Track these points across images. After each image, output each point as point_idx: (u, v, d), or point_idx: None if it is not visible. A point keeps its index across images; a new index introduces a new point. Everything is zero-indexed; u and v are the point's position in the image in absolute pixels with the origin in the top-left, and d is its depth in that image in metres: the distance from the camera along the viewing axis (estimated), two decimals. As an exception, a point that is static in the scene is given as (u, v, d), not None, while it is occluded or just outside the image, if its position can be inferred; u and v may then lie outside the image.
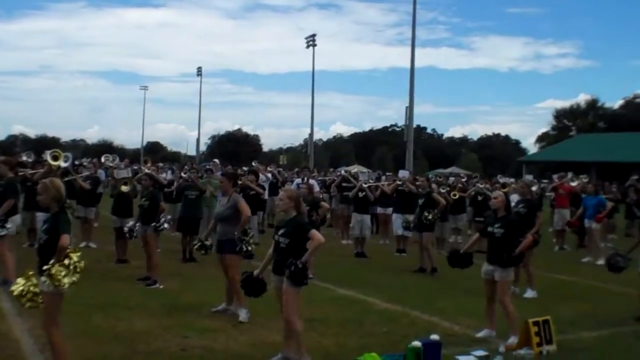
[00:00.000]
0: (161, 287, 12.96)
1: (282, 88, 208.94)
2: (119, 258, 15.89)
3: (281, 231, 8.42)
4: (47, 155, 16.52)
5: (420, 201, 16.63)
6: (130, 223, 14.07)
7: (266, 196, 22.15)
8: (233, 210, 10.94)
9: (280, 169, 32.48)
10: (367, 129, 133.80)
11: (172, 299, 11.98)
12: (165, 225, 13.89)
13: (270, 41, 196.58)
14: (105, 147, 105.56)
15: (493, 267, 9.97)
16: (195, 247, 11.26)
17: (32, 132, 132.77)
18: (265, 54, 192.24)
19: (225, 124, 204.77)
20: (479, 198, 22.07)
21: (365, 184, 19.56)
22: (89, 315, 7.59)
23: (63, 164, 16.33)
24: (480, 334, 9.79)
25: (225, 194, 11.25)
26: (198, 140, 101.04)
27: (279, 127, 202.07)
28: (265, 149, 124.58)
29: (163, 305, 11.49)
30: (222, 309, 10.96)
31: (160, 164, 39.59)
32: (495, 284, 9.97)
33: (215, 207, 17.15)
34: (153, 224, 13.63)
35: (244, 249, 10.80)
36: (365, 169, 43.01)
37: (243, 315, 10.55)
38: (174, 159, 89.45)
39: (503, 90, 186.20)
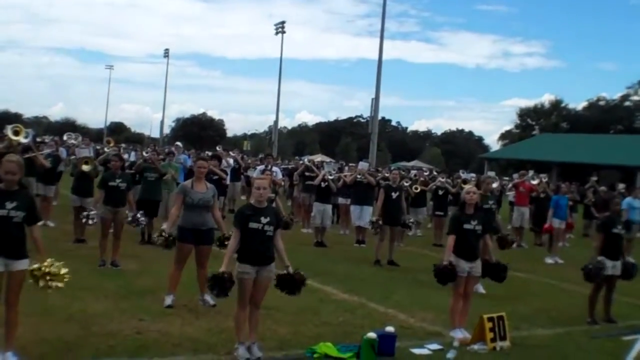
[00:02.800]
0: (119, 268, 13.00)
1: (250, 74, 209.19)
2: (77, 238, 15.77)
3: (265, 220, 8.28)
4: (8, 130, 16.30)
5: (395, 195, 16.55)
6: (132, 212, 13.78)
7: (228, 181, 22.09)
8: (214, 197, 10.82)
9: (244, 155, 32.40)
10: (332, 118, 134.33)
11: (129, 282, 11.94)
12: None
13: (240, 26, 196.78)
14: (69, 126, 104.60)
15: (474, 263, 9.99)
16: (158, 242, 10.91)
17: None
18: (234, 39, 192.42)
19: (190, 107, 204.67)
20: (440, 192, 22.17)
21: (330, 174, 19.59)
22: (44, 294, 7.51)
23: (24, 140, 16.11)
24: (459, 336, 9.75)
25: (200, 180, 10.83)
26: (162, 122, 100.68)
27: (244, 112, 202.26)
28: (229, 134, 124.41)
29: (119, 287, 11.44)
30: (201, 300, 10.76)
31: (123, 145, 39.33)
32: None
33: (173, 190, 17.20)
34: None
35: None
36: (328, 159, 43.10)
37: (169, 301, 10.50)
38: (137, 140, 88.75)
39: (469, 87, 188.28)
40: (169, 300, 10.43)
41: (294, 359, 8.42)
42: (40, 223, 7.65)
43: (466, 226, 9.93)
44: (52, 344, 8.17)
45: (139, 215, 13.90)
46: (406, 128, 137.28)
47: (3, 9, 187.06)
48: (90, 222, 13.48)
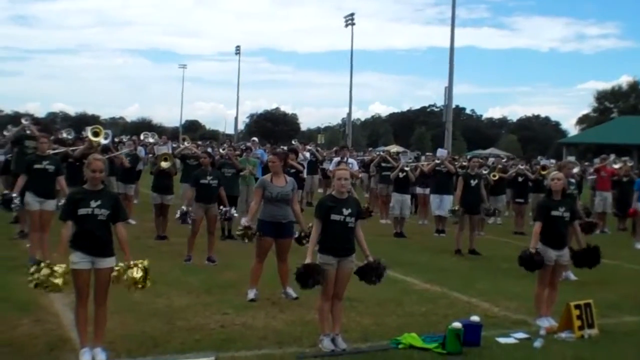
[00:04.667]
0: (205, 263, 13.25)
1: (320, 67, 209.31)
2: (159, 235, 16.00)
3: (347, 211, 8.26)
4: (88, 132, 16.64)
5: (474, 183, 16.35)
6: (184, 207, 13.91)
7: (305, 175, 22.15)
8: (294, 191, 10.84)
9: (319, 148, 32.43)
10: (405, 108, 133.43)
11: (211, 276, 12.06)
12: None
13: (309, 20, 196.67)
14: (144, 125, 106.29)
15: (562, 252, 9.79)
16: (239, 234, 10.97)
17: (72, 110, 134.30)
18: (304, 33, 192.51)
19: (263, 103, 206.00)
20: (520, 179, 21.84)
21: (407, 166, 19.47)
22: (128, 292, 7.62)
23: (103, 141, 16.43)
24: (545, 324, 9.57)
25: (278, 174, 10.83)
26: (236, 118, 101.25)
27: (317, 106, 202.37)
28: (303, 128, 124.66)
29: (202, 282, 11.56)
30: (284, 293, 10.77)
31: (199, 142, 39.72)
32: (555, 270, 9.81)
33: (252, 185, 17.29)
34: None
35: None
36: (403, 149, 42.84)
37: (252, 294, 10.55)
38: (212, 137, 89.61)
39: (544, 71, 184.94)
40: (251, 294, 10.48)
41: (378, 349, 8.34)
42: (124, 222, 7.73)
43: (554, 213, 9.69)
44: (139, 339, 8.28)
45: (233, 212, 14.03)
46: (481, 116, 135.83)
47: (77, 13, 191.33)
48: (189, 220, 13.59)
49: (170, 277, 11.34)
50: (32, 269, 7.16)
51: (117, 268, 7.42)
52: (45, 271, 7.09)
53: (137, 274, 7.37)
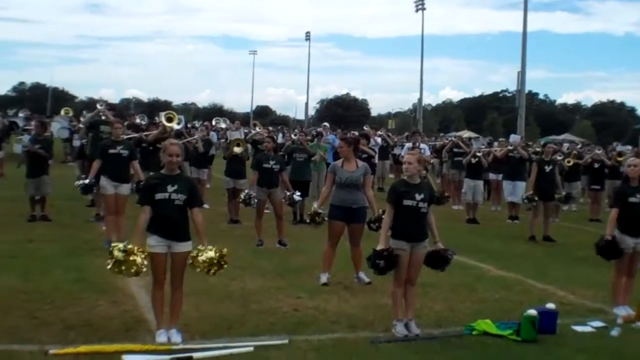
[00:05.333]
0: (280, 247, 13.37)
1: (391, 53, 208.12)
2: (232, 219, 16.14)
3: (420, 196, 8.19)
4: (162, 117, 16.85)
5: (548, 169, 16.09)
6: (290, 192, 14.00)
7: (376, 160, 22.09)
8: (364, 176, 10.80)
9: (390, 134, 32.32)
10: (477, 94, 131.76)
11: (284, 260, 12.12)
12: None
13: (378, 5, 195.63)
14: (216, 111, 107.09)
15: (639, 239, 9.57)
16: (309, 219, 11.01)
17: (144, 96, 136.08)
18: (373, 19, 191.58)
19: (333, 88, 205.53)
20: (596, 166, 21.42)
21: (479, 151, 19.28)
22: (203, 275, 7.70)
23: (176, 126, 16.61)
24: (622, 313, 9.38)
25: (349, 159, 10.80)
26: (307, 104, 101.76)
27: (387, 91, 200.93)
28: (373, 113, 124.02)
29: (275, 265, 11.64)
30: (356, 277, 10.78)
31: (270, 128, 39.96)
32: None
33: (323, 171, 17.31)
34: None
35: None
36: (475, 135, 42.44)
37: (324, 278, 10.57)
38: (283, 122, 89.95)
39: (619, 56, 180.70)
40: (324, 278, 10.50)
41: (451, 335, 8.28)
42: (200, 207, 7.81)
43: (631, 199, 9.45)
44: (213, 321, 8.37)
45: (295, 196, 14.06)
46: (554, 101, 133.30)
47: (149, 1, 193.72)
48: (252, 203, 13.69)
49: (243, 261, 11.42)
50: (111, 253, 7.28)
51: (193, 253, 7.51)
52: (123, 255, 7.20)
53: (213, 254, 7.45)
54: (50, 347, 7.07)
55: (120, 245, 7.26)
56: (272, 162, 13.78)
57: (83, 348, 7.09)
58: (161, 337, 7.48)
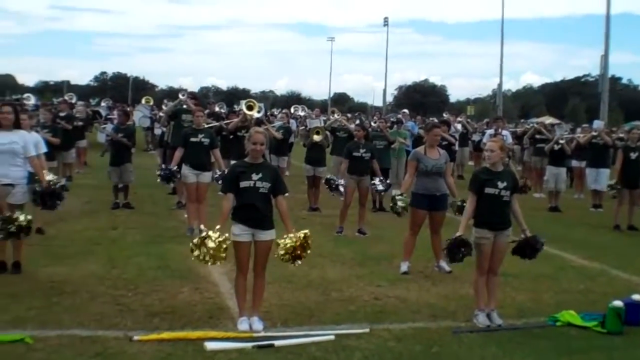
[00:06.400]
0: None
1: (470, 37, 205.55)
2: (311, 206, 16.19)
3: (502, 184, 8.11)
4: (242, 105, 17.00)
5: (634, 155, 15.66)
6: (329, 176, 13.97)
7: (457, 147, 21.90)
8: (447, 163, 10.73)
9: (469, 120, 31.98)
10: (558, 79, 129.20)
11: (364, 248, 12.12)
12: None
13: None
14: (294, 99, 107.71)
15: None
16: (391, 208, 10.97)
17: (223, 84, 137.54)
18: (453, 3, 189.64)
19: (412, 75, 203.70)
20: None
21: (562, 138, 18.94)
22: (284, 263, 7.75)
23: (256, 114, 16.71)
24: None
25: (432, 147, 10.69)
26: (385, 90, 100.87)
27: (466, 77, 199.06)
28: (452, 99, 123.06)
29: (355, 253, 11.64)
30: (437, 266, 10.72)
31: (348, 115, 39.93)
32: None
33: (403, 158, 17.24)
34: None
35: None
36: (557, 121, 41.69)
37: (405, 267, 10.51)
38: (360, 109, 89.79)
39: None
40: (404, 266, 10.46)
41: (534, 326, 8.17)
42: (285, 195, 7.84)
43: None
44: (294, 309, 8.42)
45: (377, 183, 14.01)
46: (638, 85, 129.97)
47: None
48: (341, 189, 13.71)
49: (323, 249, 11.44)
50: (195, 241, 7.36)
51: (280, 241, 7.56)
52: (206, 243, 7.28)
53: (298, 243, 7.50)
54: (135, 333, 7.21)
55: (202, 236, 7.35)
56: (362, 150, 13.73)
57: (166, 334, 7.20)
58: (243, 324, 7.54)
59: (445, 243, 8.31)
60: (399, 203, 10.69)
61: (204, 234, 7.35)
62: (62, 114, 20.29)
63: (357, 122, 19.75)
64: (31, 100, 29.36)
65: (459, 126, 25.04)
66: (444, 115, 28.07)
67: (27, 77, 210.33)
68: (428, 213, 10.54)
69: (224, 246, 7.32)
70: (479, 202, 8.16)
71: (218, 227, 7.38)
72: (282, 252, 7.53)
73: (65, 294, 8.67)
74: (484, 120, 36.17)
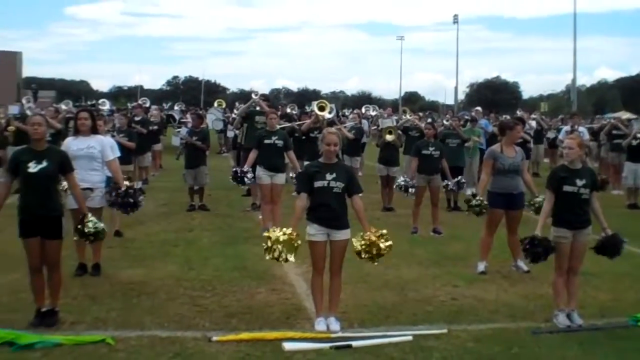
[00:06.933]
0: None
1: (541, 32, 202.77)
2: (385, 206, 16.14)
3: (581, 182, 7.97)
4: (314, 106, 17.05)
5: None
6: (404, 178, 13.94)
7: (531, 145, 21.61)
8: (523, 160, 10.62)
9: (543, 117, 31.52)
10: (634, 72, 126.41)
11: (439, 248, 12.06)
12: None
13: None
14: (364, 98, 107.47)
15: None
16: (467, 208, 10.85)
17: (294, 85, 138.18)
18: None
19: (483, 72, 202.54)
20: None
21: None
22: (359, 262, 7.76)
23: (328, 115, 16.74)
24: None
25: (507, 144, 10.54)
26: (456, 89, 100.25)
27: (539, 73, 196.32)
28: (525, 96, 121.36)
29: (430, 253, 11.59)
30: (514, 266, 10.56)
31: (420, 114, 39.76)
32: None
33: (476, 157, 17.08)
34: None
35: None
36: (635, 116, 40.79)
37: (482, 267, 10.41)
38: (432, 108, 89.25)
39: None
40: (481, 266, 10.35)
41: (616, 326, 8.01)
42: (360, 194, 7.85)
43: None
44: (371, 309, 8.42)
45: (449, 182, 13.94)
46: None
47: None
48: (411, 190, 13.67)
49: (398, 249, 11.26)
50: (269, 241, 7.42)
51: (359, 241, 7.57)
52: (280, 243, 7.34)
53: (383, 244, 7.49)
54: (213, 334, 7.30)
55: (277, 235, 7.40)
56: (431, 149, 13.70)
57: (244, 335, 7.27)
58: (320, 325, 7.57)
59: (523, 242, 8.18)
60: (474, 202, 10.58)
61: (278, 235, 7.42)
62: (137, 119, 20.65)
63: (429, 120, 19.63)
64: (106, 105, 29.96)
65: (533, 123, 24.66)
66: (518, 112, 27.66)
67: (101, 83, 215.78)
68: (505, 212, 10.41)
69: (296, 240, 7.41)
70: (557, 200, 8.03)
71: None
72: (362, 246, 7.55)
73: (144, 295, 8.83)
74: (558, 117, 35.59)
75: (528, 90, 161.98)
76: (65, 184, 8.46)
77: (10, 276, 9.41)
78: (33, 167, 7.50)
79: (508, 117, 24.66)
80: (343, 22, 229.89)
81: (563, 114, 36.51)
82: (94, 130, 9.90)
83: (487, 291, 9.30)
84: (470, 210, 10.80)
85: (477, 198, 10.52)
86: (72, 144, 9.72)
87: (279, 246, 7.36)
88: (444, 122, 20.19)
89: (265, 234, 7.58)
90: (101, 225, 8.13)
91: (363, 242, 7.54)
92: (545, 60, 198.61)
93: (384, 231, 7.69)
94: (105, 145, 9.90)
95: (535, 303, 8.76)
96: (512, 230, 10.47)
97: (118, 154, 10.54)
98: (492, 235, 10.48)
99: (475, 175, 18.02)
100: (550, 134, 26.50)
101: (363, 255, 7.59)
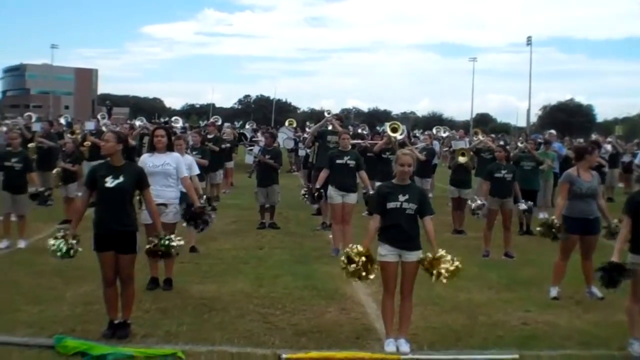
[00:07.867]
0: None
1: (616, 55, 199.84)
2: (456, 229, 16.02)
3: None
4: (387, 127, 17.06)
5: None
6: (478, 201, 13.82)
7: (606, 169, 21.28)
8: (598, 185, 10.46)
9: (618, 140, 30.96)
10: None
11: (511, 272, 11.90)
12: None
13: (601, 6, 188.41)
14: (435, 120, 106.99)
15: None
16: (543, 232, 10.64)
17: (364, 106, 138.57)
18: (597, 20, 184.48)
19: (556, 94, 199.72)
20: None
21: None
22: (429, 284, 7.73)
23: (399, 137, 16.73)
24: None
25: (584, 168, 10.31)
26: (528, 111, 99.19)
27: (613, 96, 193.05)
28: (599, 119, 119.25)
29: (502, 277, 11.46)
30: (588, 292, 10.34)
31: (492, 135, 39.44)
32: None
33: (550, 180, 16.87)
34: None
35: None
36: None
37: (554, 292, 10.24)
38: (503, 130, 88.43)
39: None
40: (554, 291, 10.19)
41: (694, 356, 7.81)
42: (431, 216, 7.84)
43: None
44: (441, 332, 8.36)
45: (521, 205, 13.79)
46: None
47: (369, 12, 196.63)
48: (479, 212, 13.57)
49: (469, 272, 11.22)
50: (344, 260, 7.46)
51: (427, 261, 7.59)
52: (357, 263, 7.38)
53: (451, 266, 7.46)
54: (283, 351, 7.34)
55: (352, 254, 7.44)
56: (503, 172, 13.57)
57: (314, 354, 7.30)
58: (390, 346, 7.55)
59: (599, 268, 8.02)
60: (552, 224, 10.36)
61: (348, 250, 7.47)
62: (210, 136, 20.92)
63: (502, 142, 19.47)
64: (179, 123, 30.38)
65: (608, 147, 24.26)
66: (593, 135, 27.24)
67: (174, 100, 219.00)
68: (580, 237, 10.24)
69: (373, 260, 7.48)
70: (635, 226, 7.86)
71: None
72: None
73: (215, 310, 8.93)
74: (633, 141, 34.91)
75: (602, 113, 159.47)
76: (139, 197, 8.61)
77: (85, 288, 9.65)
78: (110, 182, 7.66)
79: (582, 140, 24.29)
80: (415, 42, 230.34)
81: (638, 138, 35.75)
82: (170, 148, 10.09)
83: (560, 317, 9.15)
84: (544, 236, 10.57)
85: (555, 222, 10.31)
86: (148, 161, 9.92)
87: (361, 260, 7.40)
88: (519, 144, 19.96)
89: (347, 249, 7.63)
90: (173, 243, 8.22)
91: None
92: (620, 83, 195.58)
93: (443, 252, 7.64)
94: (180, 163, 10.08)
95: (609, 330, 8.58)
96: (587, 255, 10.28)
97: (197, 171, 10.69)
98: (566, 260, 10.29)
99: (548, 199, 17.81)
100: (626, 158, 26.03)
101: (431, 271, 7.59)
